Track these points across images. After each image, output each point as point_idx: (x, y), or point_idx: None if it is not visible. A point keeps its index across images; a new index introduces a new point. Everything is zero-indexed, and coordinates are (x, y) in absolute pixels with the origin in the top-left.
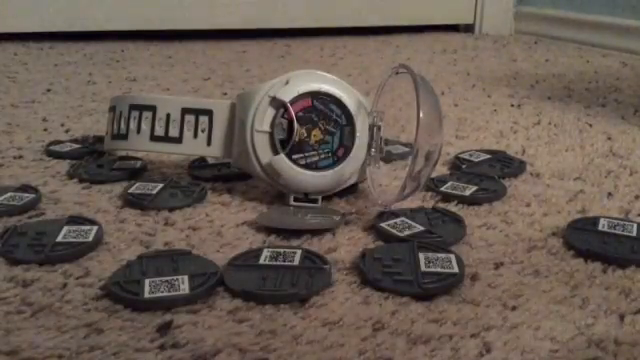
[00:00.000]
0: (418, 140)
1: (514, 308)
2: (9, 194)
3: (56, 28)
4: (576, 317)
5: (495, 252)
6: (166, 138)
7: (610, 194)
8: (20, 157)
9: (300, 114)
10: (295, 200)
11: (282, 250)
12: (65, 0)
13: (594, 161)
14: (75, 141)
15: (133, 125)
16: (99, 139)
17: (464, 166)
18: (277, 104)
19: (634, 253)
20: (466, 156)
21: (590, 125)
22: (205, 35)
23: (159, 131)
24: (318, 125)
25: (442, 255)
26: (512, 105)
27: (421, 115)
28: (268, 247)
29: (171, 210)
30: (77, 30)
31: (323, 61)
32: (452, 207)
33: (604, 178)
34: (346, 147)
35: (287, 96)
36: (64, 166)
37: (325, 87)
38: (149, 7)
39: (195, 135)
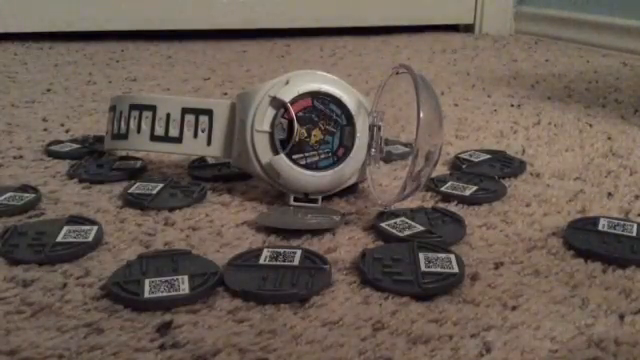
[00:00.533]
0: (418, 140)
1: (514, 308)
2: (9, 194)
3: (56, 28)
4: (576, 317)
5: (495, 252)
6: (166, 138)
7: (610, 194)
8: (20, 157)
9: (300, 114)
10: (295, 200)
11: (282, 250)
12: (65, 0)
13: (594, 161)
14: (75, 141)
15: (133, 125)
16: (99, 139)
17: (464, 166)
18: (277, 104)
19: (634, 253)
20: (466, 156)
21: (590, 125)
22: (205, 35)
23: (159, 131)
24: (318, 125)
25: (442, 255)
26: (512, 105)
27: (421, 115)
28: (268, 247)
29: (171, 210)
30: (77, 30)
31: (323, 61)
32: (452, 207)
33: (604, 178)
34: (346, 147)
35: (287, 96)
36: (64, 166)
37: (325, 87)
38: (149, 7)
39: (195, 135)
